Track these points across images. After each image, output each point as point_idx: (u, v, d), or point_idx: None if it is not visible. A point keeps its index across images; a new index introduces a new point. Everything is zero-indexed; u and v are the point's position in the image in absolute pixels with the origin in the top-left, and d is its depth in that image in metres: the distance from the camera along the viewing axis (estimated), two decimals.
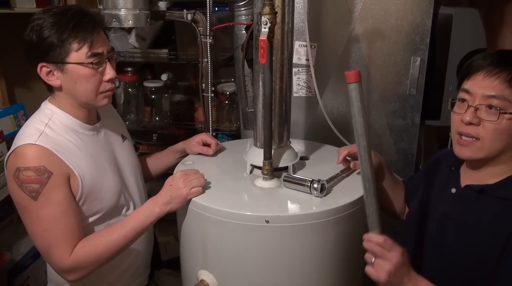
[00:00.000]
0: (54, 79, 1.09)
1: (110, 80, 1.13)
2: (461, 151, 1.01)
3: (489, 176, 1.01)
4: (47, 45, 1.05)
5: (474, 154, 0.99)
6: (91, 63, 1.08)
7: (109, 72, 1.12)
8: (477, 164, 1.03)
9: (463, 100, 1.00)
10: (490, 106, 0.95)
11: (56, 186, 1.07)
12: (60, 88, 1.11)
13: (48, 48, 1.05)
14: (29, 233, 1.11)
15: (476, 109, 0.96)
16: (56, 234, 1.07)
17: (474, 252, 0.98)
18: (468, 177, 1.06)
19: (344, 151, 1.23)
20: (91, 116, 1.20)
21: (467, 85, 1.00)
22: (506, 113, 0.94)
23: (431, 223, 1.09)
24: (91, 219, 1.18)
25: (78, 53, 1.07)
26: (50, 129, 1.11)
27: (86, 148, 1.16)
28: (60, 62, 1.06)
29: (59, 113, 1.14)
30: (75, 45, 1.06)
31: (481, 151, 0.98)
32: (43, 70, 1.08)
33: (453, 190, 1.06)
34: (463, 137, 0.99)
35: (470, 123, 0.97)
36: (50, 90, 1.15)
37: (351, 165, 1.22)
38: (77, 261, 1.09)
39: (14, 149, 1.08)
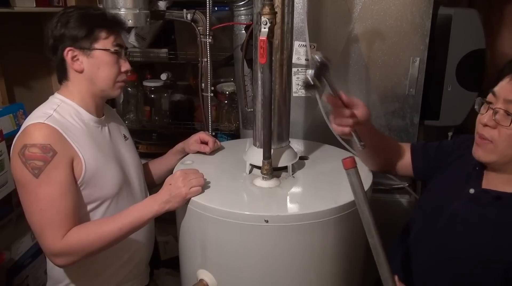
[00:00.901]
0: (79, 64, 1.16)
1: (126, 72, 1.23)
2: (475, 151, 1.01)
3: (508, 184, 0.99)
4: (78, 32, 1.14)
5: (486, 155, 0.98)
6: (116, 51, 1.18)
7: (126, 64, 1.23)
8: (491, 168, 1.02)
9: (488, 102, 0.98)
10: (507, 112, 0.93)
11: (59, 166, 1.09)
12: (81, 73, 1.17)
13: (79, 35, 1.14)
14: (25, 212, 1.12)
15: (496, 112, 0.95)
16: (51, 215, 1.08)
17: (477, 256, 0.97)
18: (489, 181, 1.04)
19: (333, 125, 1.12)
20: (98, 110, 1.24)
21: (496, 87, 0.98)
22: None
23: (441, 219, 1.07)
24: (89, 207, 1.18)
25: (105, 41, 1.17)
26: (58, 114, 1.15)
27: (92, 136, 1.19)
28: (88, 48, 1.15)
29: (67, 102, 1.19)
30: (103, 34, 1.16)
31: (493, 154, 0.97)
32: (69, 54, 1.15)
33: (471, 191, 1.04)
34: (480, 138, 0.99)
35: (486, 125, 0.96)
36: (61, 81, 1.20)
37: (324, 97, 1.08)
38: (67, 246, 1.09)
39: (23, 130, 1.11)
